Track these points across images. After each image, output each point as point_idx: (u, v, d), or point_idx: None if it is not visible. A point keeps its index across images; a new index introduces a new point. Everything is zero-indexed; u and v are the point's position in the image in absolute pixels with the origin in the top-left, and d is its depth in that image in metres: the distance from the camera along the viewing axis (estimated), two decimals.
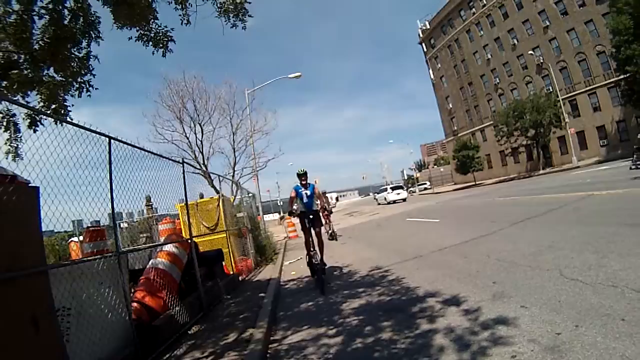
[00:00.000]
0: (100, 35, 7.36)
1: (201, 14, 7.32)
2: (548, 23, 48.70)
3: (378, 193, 54.76)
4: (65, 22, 6.96)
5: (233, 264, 10.76)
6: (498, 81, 57.43)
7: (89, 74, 7.56)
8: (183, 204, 8.27)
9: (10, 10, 6.57)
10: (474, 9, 59.34)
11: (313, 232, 8.50)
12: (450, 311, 4.88)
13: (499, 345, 3.58)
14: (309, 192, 8.61)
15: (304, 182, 8.70)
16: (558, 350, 3.24)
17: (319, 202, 8.91)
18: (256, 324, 5.72)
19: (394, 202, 44.16)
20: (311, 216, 8.52)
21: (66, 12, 6.95)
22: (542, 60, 49.69)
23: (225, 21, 7.36)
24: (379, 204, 49.33)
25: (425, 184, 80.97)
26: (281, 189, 78.64)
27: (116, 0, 6.84)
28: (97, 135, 4.84)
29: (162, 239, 8.57)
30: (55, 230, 4.18)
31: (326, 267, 8.59)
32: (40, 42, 6.85)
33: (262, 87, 26.14)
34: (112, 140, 5.14)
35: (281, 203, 75.50)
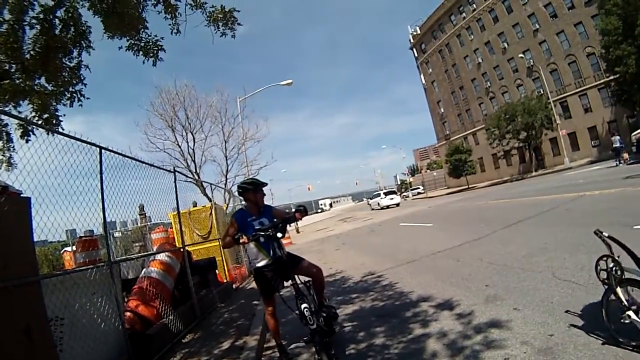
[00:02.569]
0: (91, 45, 7.37)
1: (191, 23, 7.34)
2: (538, 26, 49.04)
3: (371, 198, 54.70)
4: (57, 32, 6.96)
5: (227, 272, 10.76)
6: (489, 85, 57.69)
7: (80, 84, 7.55)
8: (176, 213, 8.27)
9: (2, 20, 6.56)
10: (464, 14, 59.66)
11: (297, 280, 4.38)
12: (443, 315, 4.90)
13: (491, 348, 3.60)
14: (266, 222, 4.60)
15: (254, 205, 4.75)
16: (551, 351, 3.26)
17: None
18: (250, 331, 5.74)
19: (388, 207, 44.03)
20: (279, 268, 4.45)
21: (57, 22, 6.95)
22: (532, 63, 50.02)
23: (215, 30, 7.40)
24: (373, 209, 49.32)
25: (418, 188, 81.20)
26: (274, 197, 78.49)
27: (106, 11, 6.85)
28: (89, 145, 4.85)
29: (155, 248, 8.55)
30: (49, 240, 4.18)
31: (335, 315, 4.93)
32: (31, 52, 6.84)
33: (254, 94, 26.18)
34: (103, 150, 5.15)
35: None
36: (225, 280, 10.25)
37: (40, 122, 6.78)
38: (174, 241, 9.64)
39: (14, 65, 6.96)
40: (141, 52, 7.46)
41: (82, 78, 7.58)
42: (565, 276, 5.14)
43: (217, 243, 10.74)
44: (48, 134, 4.35)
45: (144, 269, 6.89)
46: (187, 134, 24.67)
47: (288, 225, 4.58)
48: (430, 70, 70.28)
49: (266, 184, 4.90)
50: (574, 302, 4.22)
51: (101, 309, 4.67)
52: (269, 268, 4.51)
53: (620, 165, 25.03)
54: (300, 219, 4.63)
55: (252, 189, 4.70)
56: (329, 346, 4.05)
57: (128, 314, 5.67)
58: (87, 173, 4.83)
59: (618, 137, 28.26)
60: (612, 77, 36.98)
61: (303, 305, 4.09)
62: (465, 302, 5.19)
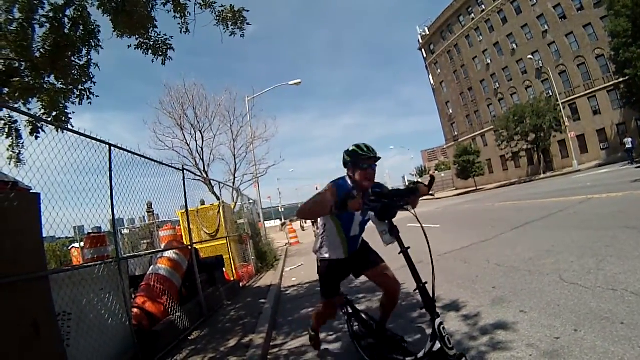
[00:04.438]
0: (100, 43, 7.42)
1: (200, 22, 7.39)
2: (547, 27, 48.79)
3: None
4: (66, 30, 7.02)
5: (234, 270, 10.78)
6: (498, 86, 57.45)
7: (89, 82, 7.62)
8: (184, 211, 8.30)
9: (12, 19, 6.63)
10: (472, 15, 59.46)
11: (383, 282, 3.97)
12: (450, 316, 4.89)
13: (497, 350, 3.59)
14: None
15: (365, 182, 3.41)
16: (557, 354, 3.25)
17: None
18: (256, 329, 5.74)
19: None
20: (352, 263, 3.85)
21: (66, 20, 7.01)
22: (541, 65, 49.76)
23: (224, 29, 7.43)
24: None
25: None
26: (282, 196, 78.55)
27: (115, 9, 6.90)
28: (98, 142, 4.88)
29: (163, 245, 8.59)
30: (57, 236, 4.23)
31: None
32: (41, 50, 6.91)
33: (262, 94, 26.21)
34: (112, 148, 5.18)
35: (282, 209, 75.48)
36: (232, 279, 10.26)
37: (49, 119, 6.83)
38: (182, 239, 9.67)
39: (23, 63, 7.03)
40: (150, 51, 7.52)
41: (92, 76, 7.65)
42: (572, 279, 5.11)
43: (225, 241, 10.77)
44: (57, 131, 4.38)
45: (152, 266, 6.93)
46: (195, 133, 24.70)
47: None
48: (439, 71, 70.06)
49: (375, 154, 3.46)
50: (581, 305, 4.20)
51: (108, 304, 4.70)
52: (341, 264, 3.78)
53: (632, 164, 27.65)
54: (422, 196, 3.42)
55: (374, 157, 3.43)
56: None
57: (135, 310, 5.71)
58: (96, 170, 4.87)
59: (630, 139, 32.09)
60: (621, 80, 36.76)
61: (438, 321, 2.84)
62: (471, 303, 5.18)
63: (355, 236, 3.71)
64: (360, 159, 3.40)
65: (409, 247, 3.12)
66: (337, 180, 3.53)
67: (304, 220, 38.58)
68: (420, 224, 3.19)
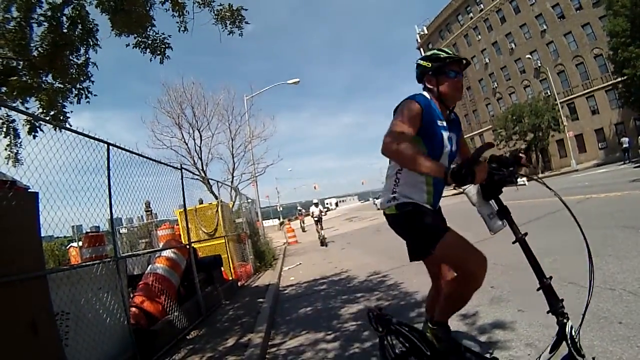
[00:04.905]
0: (99, 42, 7.40)
1: (198, 21, 7.38)
2: (545, 27, 48.88)
3: (377, 198, 54.62)
4: (64, 29, 7.00)
5: (232, 269, 10.77)
6: (496, 85, 57.52)
7: (87, 81, 7.60)
8: (182, 210, 8.29)
9: (10, 17, 6.61)
10: (471, 14, 59.49)
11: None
12: None
13: (496, 349, 3.59)
14: (454, 140, 2.78)
15: (457, 92, 2.67)
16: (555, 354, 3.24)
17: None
18: (255, 328, 5.73)
19: None
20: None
21: (65, 19, 6.99)
22: (539, 64, 49.83)
23: (223, 28, 7.42)
24: (379, 209, 49.26)
25: None
26: (280, 195, 78.44)
27: (114, 8, 6.88)
28: (96, 141, 4.87)
29: (161, 245, 8.59)
30: (55, 236, 4.22)
31: None
32: (39, 49, 6.89)
33: (261, 92, 26.22)
34: (110, 147, 5.17)
35: (280, 209, 75.42)
36: (230, 278, 10.26)
37: (47, 118, 6.82)
38: (180, 238, 9.67)
39: (21, 62, 7.00)
40: (148, 50, 7.50)
41: (90, 75, 7.62)
42: (570, 278, 5.11)
43: (223, 240, 10.77)
44: (55, 130, 4.38)
45: (150, 265, 6.93)
46: (194, 132, 24.68)
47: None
48: None
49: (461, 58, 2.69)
50: (579, 304, 4.17)
51: (107, 304, 4.70)
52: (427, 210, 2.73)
53: (629, 163, 28.88)
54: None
55: (462, 60, 2.67)
56: None
57: (133, 309, 5.70)
58: (94, 169, 4.86)
59: (627, 139, 33.54)
60: (619, 79, 36.90)
61: (570, 325, 2.19)
62: (469, 302, 5.14)
63: (442, 182, 2.51)
64: (447, 63, 2.61)
65: (526, 234, 2.39)
66: (419, 97, 2.59)
67: (303, 221, 38.40)
68: (567, 206, 2.39)
